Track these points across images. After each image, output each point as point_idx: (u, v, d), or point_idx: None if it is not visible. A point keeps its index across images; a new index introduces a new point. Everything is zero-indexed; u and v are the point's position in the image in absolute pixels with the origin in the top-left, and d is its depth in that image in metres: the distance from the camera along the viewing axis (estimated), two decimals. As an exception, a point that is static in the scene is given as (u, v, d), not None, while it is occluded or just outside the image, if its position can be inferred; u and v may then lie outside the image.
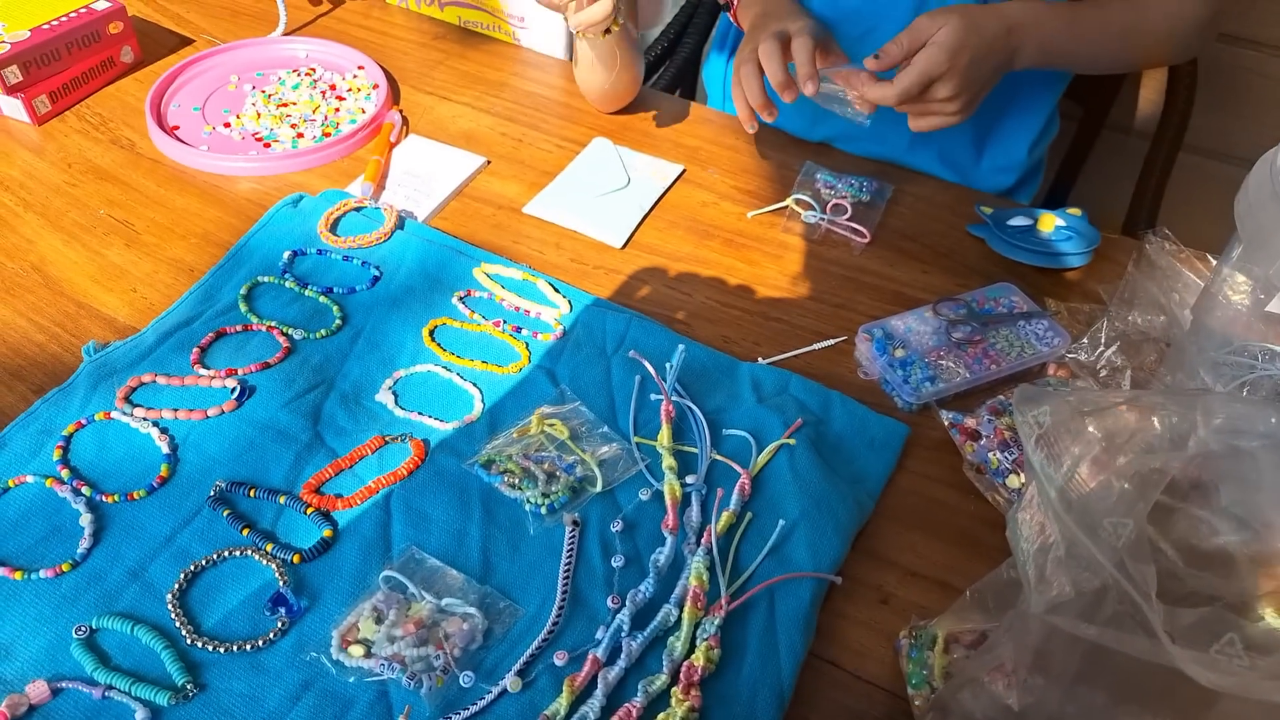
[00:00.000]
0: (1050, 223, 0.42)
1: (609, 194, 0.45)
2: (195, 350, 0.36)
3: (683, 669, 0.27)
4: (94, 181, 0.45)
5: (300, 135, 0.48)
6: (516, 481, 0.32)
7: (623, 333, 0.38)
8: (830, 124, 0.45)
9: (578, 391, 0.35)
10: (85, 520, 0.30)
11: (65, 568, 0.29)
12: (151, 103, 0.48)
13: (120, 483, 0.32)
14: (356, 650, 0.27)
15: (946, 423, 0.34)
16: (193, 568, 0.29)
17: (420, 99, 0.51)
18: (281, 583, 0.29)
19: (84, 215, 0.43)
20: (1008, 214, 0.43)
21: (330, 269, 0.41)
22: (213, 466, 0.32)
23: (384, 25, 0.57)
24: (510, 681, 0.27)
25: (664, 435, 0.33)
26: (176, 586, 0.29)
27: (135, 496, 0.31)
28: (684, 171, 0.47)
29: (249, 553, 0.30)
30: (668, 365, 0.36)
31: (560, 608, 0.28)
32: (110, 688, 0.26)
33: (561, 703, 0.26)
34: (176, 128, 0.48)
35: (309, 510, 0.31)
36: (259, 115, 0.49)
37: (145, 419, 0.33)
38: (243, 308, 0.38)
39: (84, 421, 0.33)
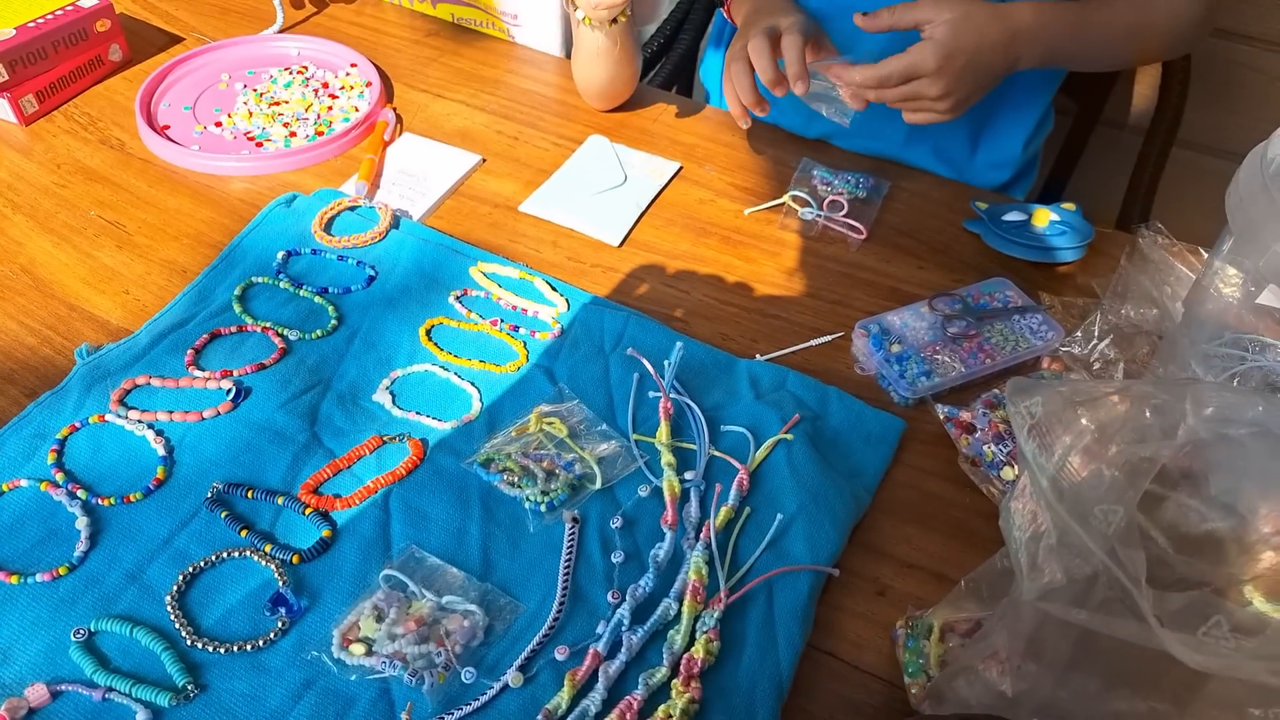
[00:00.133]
0: (1044, 218, 0.42)
1: (606, 192, 0.45)
2: (190, 352, 0.36)
3: (683, 661, 0.27)
4: (84, 182, 0.45)
5: (293, 134, 0.47)
6: (516, 480, 0.32)
7: (620, 331, 0.38)
8: (826, 120, 0.45)
9: (576, 390, 0.35)
10: (81, 523, 0.30)
11: (62, 571, 0.29)
12: (141, 102, 0.48)
13: (116, 485, 0.32)
14: (358, 649, 0.27)
15: (942, 416, 0.34)
16: (191, 569, 0.29)
17: (414, 97, 0.51)
18: (281, 583, 0.29)
19: (74, 216, 0.43)
20: (1002, 209, 0.43)
21: (325, 269, 0.41)
22: (209, 468, 0.32)
23: (376, 22, 0.57)
24: (512, 677, 0.27)
25: (662, 432, 0.34)
26: (175, 588, 0.29)
27: (132, 499, 0.31)
28: (681, 169, 0.47)
29: (248, 553, 0.30)
30: (666, 363, 0.36)
31: (561, 603, 0.29)
32: (110, 690, 0.26)
33: (563, 697, 0.26)
34: (167, 127, 0.48)
35: (307, 511, 0.31)
36: (251, 114, 0.48)
37: (140, 421, 0.33)
38: (237, 309, 0.38)
39: (78, 424, 0.33)
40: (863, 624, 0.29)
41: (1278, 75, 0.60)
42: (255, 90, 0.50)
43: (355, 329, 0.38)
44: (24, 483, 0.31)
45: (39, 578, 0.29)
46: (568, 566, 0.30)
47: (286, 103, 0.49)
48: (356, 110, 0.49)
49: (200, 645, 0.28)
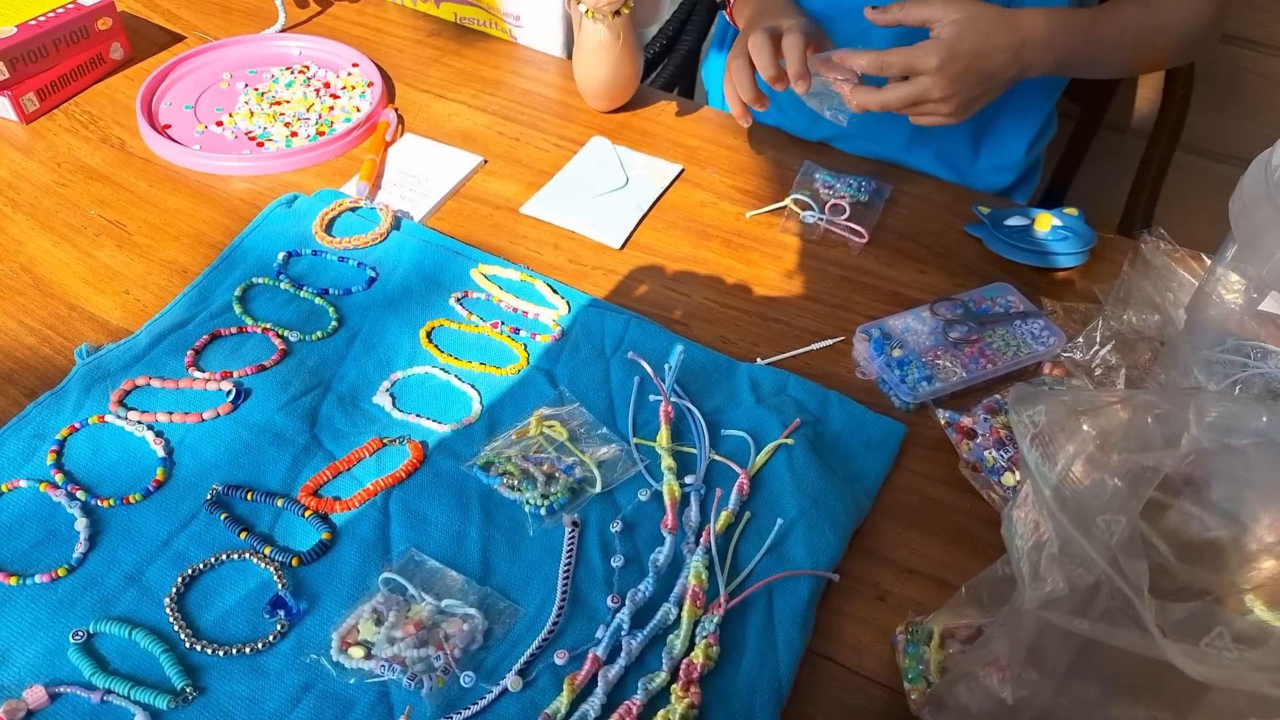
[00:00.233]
0: (1047, 222, 0.42)
1: (607, 194, 0.45)
2: (190, 353, 0.36)
3: (682, 666, 0.27)
4: (84, 181, 0.45)
5: (294, 134, 0.47)
6: (515, 483, 0.32)
7: (621, 333, 0.38)
8: (828, 123, 0.45)
9: (576, 393, 0.35)
10: (80, 525, 0.30)
11: (61, 572, 0.29)
12: (142, 101, 0.48)
13: (115, 487, 0.32)
14: (357, 652, 0.27)
15: (943, 421, 0.34)
16: (190, 571, 0.29)
17: (416, 97, 0.51)
18: (280, 585, 0.29)
19: (74, 216, 0.43)
20: (1005, 214, 0.43)
21: (326, 270, 0.41)
22: (209, 470, 0.32)
23: (378, 22, 0.57)
24: (511, 681, 0.27)
25: (663, 436, 0.34)
26: (174, 590, 0.29)
27: (131, 500, 0.31)
28: (682, 171, 0.47)
29: (247, 556, 0.30)
30: (666, 366, 0.36)
31: (560, 607, 0.29)
32: (109, 692, 0.26)
33: (562, 701, 0.26)
34: (168, 126, 0.48)
35: (307, 513, 0.31)
36: (252, 114, 0.48)
37: (140, 422, 0.33)
38: (237, 309, 0.38)
39: (78, 425, 0.33)
40: (863, 629, 0.29)
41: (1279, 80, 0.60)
42: (256, 90, 0.50)
43: (356, 330, 0.38)
44: (23, 483, 0.31)
45: (38, 579, 0.29)
46: (567, 570, 0.30)
47: (288, 102, 0.49)
48: (358, 110, 0.49)
49: (199, 648, 0.28)
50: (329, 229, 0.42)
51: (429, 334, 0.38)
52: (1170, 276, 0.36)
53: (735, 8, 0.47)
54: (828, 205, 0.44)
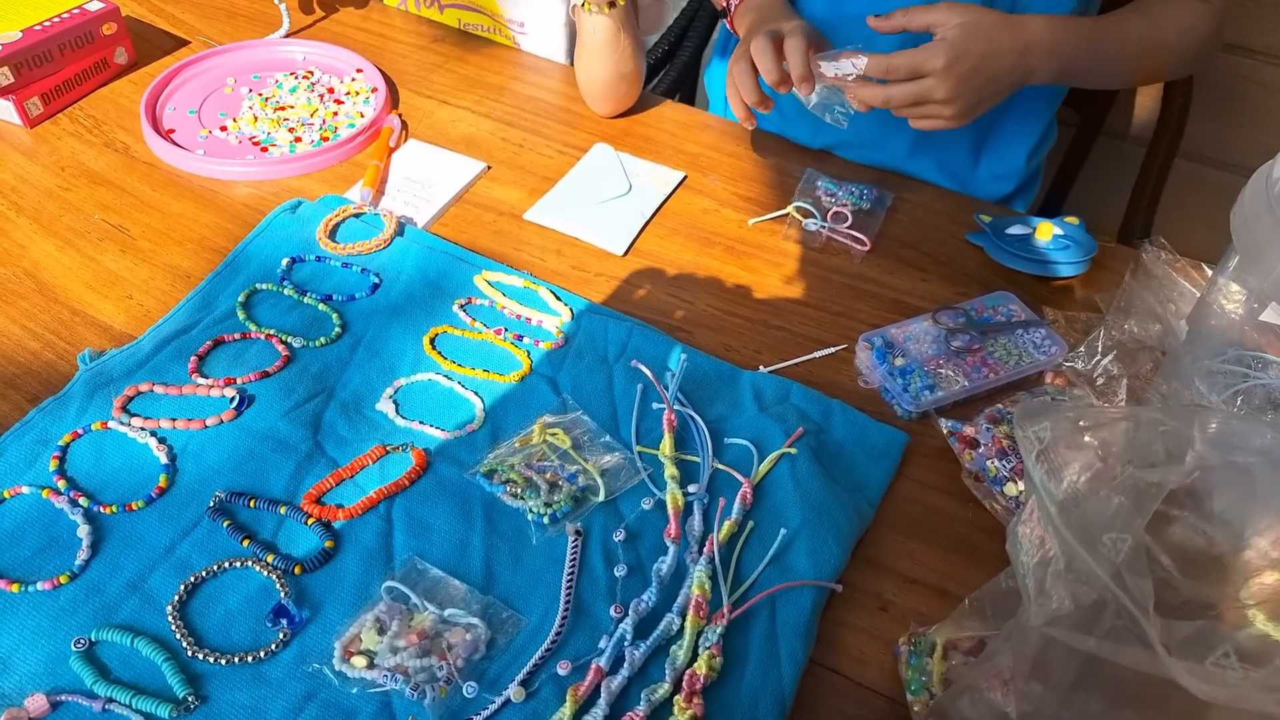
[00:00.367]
0: (1048, 232, 0.42)
1: (610, 201, 0.45)
2: (193, 359, 0.36)
3: (685, 677, 0.27)
4: (88, 185, 0.45)
5: (298, 139, 0.47)
6: (519, 491, 0.32)
7: (624, 341, 0.38)
8: (831, 131, 0.45)
9: (579, 400, 0.35)
10: (83, 531, 0.30)
11: (63, 580, 0.29)
12: (146, 105, 0.48)
13: (118, 493, 0.31)
14: (359, 661, 0.27)
15: (945, 431, 0.34)
16: (193, 579, 0.29)
17: (420, 103, 0.51)
18: (283, 594, 0.29)
19: (78, 220, 0.43)
20: (1006, 222, 0.44)
21: (329, 276, 0.41)
22: (212, 477, 0.32)
23: (382, 28, 0.57)
24: (514, 691, 0.27)
25: (666, 444, 0.34)
26: (176, 598, 0.29)
27: (134, 507, 0.31)
28: (685, 178, 0.47)
29: (249, 563, 0.30)
30: (669, 374, 0.36)
31: (563, 617, 0.29)
32: (110, 700, 0.26)
33: (565, 712, 0.26)
34: (172, 131, 0.48)
35: (310, 521, 0.31)
36: (256, 119, 0.48)
37: (143, 428, 0.33)
38: (241, 315, 0.38)
39: (80, 431, 0.33)
40: (865, 640, 0.29)
41: (1279, 89, 0.60)
42: (260, 95, 0.50)
43: (359, 337, 0.38)
44: (25, 490, 0.31)
45: (40, 586, 0.29)
46: (570, 580, 0.30)
47: (292, 108, 0.49)
48: (362, 116, 0.49)
49: (201, 656, 0.28)
50: (333, 235, 0.42)
51: (432, 340, 0.38)
52: (1171, 286, 0.36)
53: (736, 16, 0.47)
54: (830, 213, 0.44)
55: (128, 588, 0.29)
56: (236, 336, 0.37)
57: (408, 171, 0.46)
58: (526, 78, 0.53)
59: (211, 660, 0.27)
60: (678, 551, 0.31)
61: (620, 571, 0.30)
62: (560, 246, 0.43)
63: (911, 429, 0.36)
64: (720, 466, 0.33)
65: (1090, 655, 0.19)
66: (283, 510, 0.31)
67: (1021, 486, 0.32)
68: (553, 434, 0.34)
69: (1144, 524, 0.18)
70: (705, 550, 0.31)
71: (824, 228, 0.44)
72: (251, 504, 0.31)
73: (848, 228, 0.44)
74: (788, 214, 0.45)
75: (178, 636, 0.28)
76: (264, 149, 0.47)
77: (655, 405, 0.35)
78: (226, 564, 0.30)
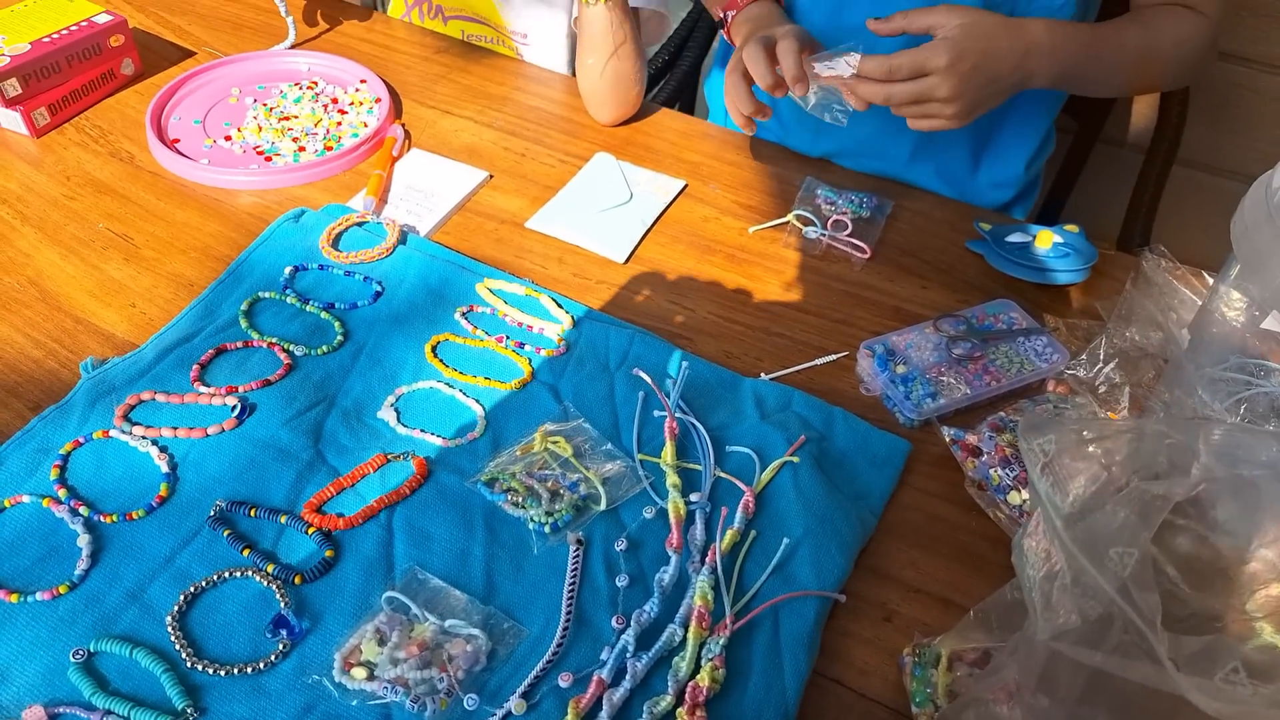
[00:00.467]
0: (1048, 239, 0.43)
1: (611, 209, 0.45)
2: (195, 367, 0.36)
3: (688, 689, 0.27)
4: (93, 195, 0.45)
5: (302, 149, 0.48)
6: (520, 500, 0.32)
7: (626, 348, 0.38)
8: (830, 139, 0.45)
9: (581, 408, 0.35)
10: (83, 541, 0.30)
11: (62, 589, 0.29)
12: (152, 115, 0.48)
13: (119, 502, 0.31)
14: (359, 672, 0.27)
15: (948, 439, 0.34)
16: (192, 589, 0.29)
17: (423, 113, 0.51)
18: (283, 604, 0.29)
19: (82, 229, 0.43)
20: (1006, 230, 0.44)
21: (332, 284, 0.41)
22: (213, 486, 0.32)
23: (386, 39, 0.57)
24: (515, 704, 0.27)
25: (668, 452, 0.34)
26: (176, 608, 0.29)
27: (134, 516, 0.31)
28: (686, 187, 0.47)
29: (250, 573, 0.30)
30: (670, 381, 0.36)
31: (564, 628, 0.28)
32: (109, 713, 0.26)
33: (566, 725, 0.26)
34: (177, 140, 0.48)
35: (310, 530, 0.31)
36: (260, 128, 0.49)
37: (144, 437, 0.33)
38: (243, 324, 0.38)
39: (82, 440, 0.33)
40: (869, 650, 0.29)
41: (1274, 97, 0.61)
42: (265, 105, 0.50)
43: (361, 345, 0.38)
44: (26, 498, 0.31)
45: (39, 596, 0.29)
46: (571, 590, 0.29)
47: (296, 117, 0.50)
48: (365, 126, 0.50)
49: (200, 667, 0.27)
50: (335, 243, 0.43)
51: (434, 348, 0.38)
52: (1172, 294, 0.36)
53: (733, 27, 0.48)
54: (830, 221, 0.45)
55: (127, 598, 0.29)
56: (239, 345, 0.37)
57: (410, 181, 0.47)
58: (529, 88, 0.53)
59: (211, 671, 0.27)
60: (680, 561, 0.31)
61: (622, 581, 0.30)
62: (562, 254, 0.43)
63: (914, 437, 0.36)
64: (722, 475, 0.33)
65: (1097, 669, 0.18)
66: (283, 519, 0.31)
67: (1025, 495, 0.32)
68: (554, 442, 0.33)
69: (1150, 536, 0.18)
70: (708, 560, 0.30)
71: (824, 235, 0.44)
72: (252, 513, 0.31)
73: (848, 235, 0.44)
74: (788, 222, 0.45)
75: (177, 647, 0.28)
76: (268, 159, 0.47)
77: (657, 413, 0.35)
78: (226, 574, 0.30)
